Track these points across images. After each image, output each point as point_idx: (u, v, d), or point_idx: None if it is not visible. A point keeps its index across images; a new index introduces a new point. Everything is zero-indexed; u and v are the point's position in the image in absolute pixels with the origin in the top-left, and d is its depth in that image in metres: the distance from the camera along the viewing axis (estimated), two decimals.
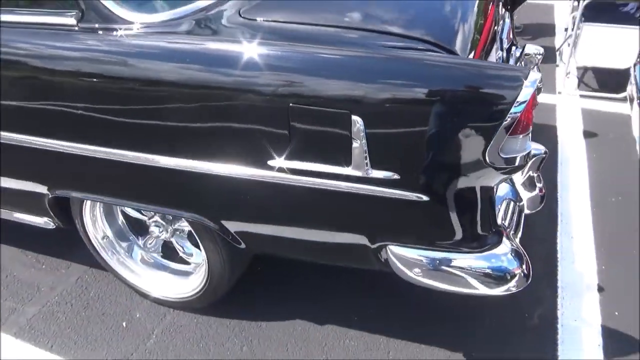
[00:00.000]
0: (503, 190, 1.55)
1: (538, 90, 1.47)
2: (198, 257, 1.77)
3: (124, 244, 1.83)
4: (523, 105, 1.09)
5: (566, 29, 3.92)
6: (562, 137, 2.81)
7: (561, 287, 1.89)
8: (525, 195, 1.61)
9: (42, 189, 1.63)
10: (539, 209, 1.65)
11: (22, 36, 1.41)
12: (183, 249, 1.79)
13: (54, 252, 2.06)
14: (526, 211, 1.60)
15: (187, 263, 1.82)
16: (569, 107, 3.15)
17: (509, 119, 1.09)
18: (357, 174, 1.21)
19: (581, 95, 3.28)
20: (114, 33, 1.32)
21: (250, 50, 1.21)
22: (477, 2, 1.45)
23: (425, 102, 1.13)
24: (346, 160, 1.20)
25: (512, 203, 1.55)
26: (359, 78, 1.15)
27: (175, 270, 1.83)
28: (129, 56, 1.30)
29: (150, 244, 1.84)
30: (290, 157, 1.24)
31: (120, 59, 1.31)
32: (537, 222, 2.13)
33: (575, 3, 3.77)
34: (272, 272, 1.95)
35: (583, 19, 3.20)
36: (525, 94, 1.08)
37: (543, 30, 4.19)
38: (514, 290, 1.32)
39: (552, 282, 1.90)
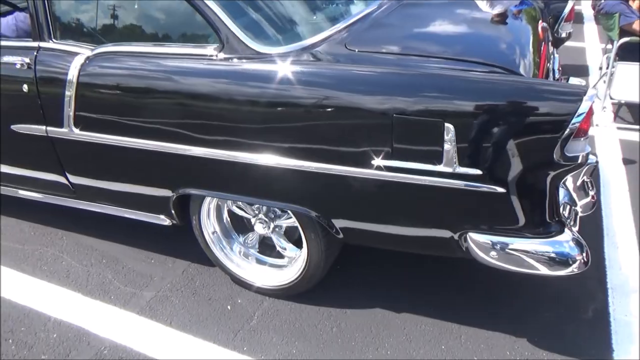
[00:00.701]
0: (562, 194, 1.83)
1: None
2: (291, 252, 2.08)
3: (228, 240, 2.16)
4: (583, 116, 1.39)
5: (600, 68, 4.25)
6: (602, 163, 3.07)
7: (611, 288, 2.12)
8: (579, 199, 1.88)
9: (168, 189, 1.98)
10: (591, 212, 1.92)
11: (170, 62, 1.81)
12: (279, 244, 2.11)
13: (160, 249, 2.40)
14: (580, 214, 1.87)
15: (282, 257, 2.12)
16: (607, 137, 3.42)
17: (572, 126, 1.39)
18: (447, 170, 1.52)
19: (618, 128, 3.56)
20: (248, 61, 1.70)
21: (365, 72, 1.57)
22: (539, 43, 1.81)
23: (504, 113, 1.45)
24: (438, 159, 1.51)
25: (568, 206, 1.82)
26: (451, 94, 1.48)
27: (273, 264, 2.15)
28: (261, 80, 1.67)
29: (250, 240, 2.16)
30: (392, 158, 1.56)
31: (255, 84, 1.68)
32: (585, 233, 2.37)
33: (609, 46, 4.12)
34: (351, 263, 2.24)
35: (617, 58, 3.52)
36: (584, 106, 1.39)
37: (578, 70, 4.51)
38: (575, 271, 1.58)
39: (602, 284, 2.14)
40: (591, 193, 1.90)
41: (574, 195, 1.85)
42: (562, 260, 1.59)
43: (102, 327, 2.00)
